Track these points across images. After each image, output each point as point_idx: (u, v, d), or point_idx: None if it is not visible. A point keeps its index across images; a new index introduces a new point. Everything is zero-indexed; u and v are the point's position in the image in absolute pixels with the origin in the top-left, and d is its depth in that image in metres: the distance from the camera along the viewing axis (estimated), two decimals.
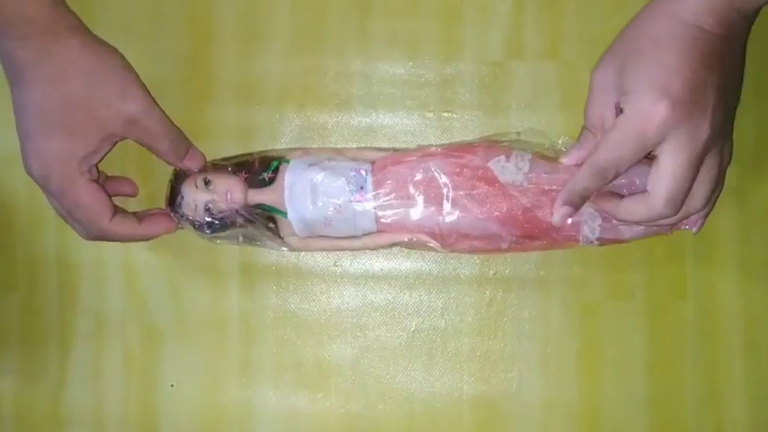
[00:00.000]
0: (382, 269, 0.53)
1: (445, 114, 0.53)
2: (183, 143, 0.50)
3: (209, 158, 0.51)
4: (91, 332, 0.53)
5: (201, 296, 0.53)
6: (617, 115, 0.43)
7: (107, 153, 0.49)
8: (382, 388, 0.53)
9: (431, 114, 0.53)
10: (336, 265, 0.53)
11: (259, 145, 0.53)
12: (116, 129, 0.47)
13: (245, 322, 0.53)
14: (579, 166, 0.46)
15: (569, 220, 0.47)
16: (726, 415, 0.52)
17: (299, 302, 0.53)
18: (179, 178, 0.50)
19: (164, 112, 0.49)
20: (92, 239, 0.49)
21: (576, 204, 0.45)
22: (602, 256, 0.52)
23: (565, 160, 0.47)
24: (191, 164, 0.50)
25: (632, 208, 0.44)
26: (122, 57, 0.48)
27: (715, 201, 0.47)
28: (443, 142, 0.52)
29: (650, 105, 0.41)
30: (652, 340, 0.52)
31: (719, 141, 0.44)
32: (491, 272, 0.53)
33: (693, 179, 0.43)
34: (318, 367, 0.53)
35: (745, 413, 0.52)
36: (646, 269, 0.52)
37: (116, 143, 0.49)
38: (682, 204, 0.43)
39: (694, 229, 0.49)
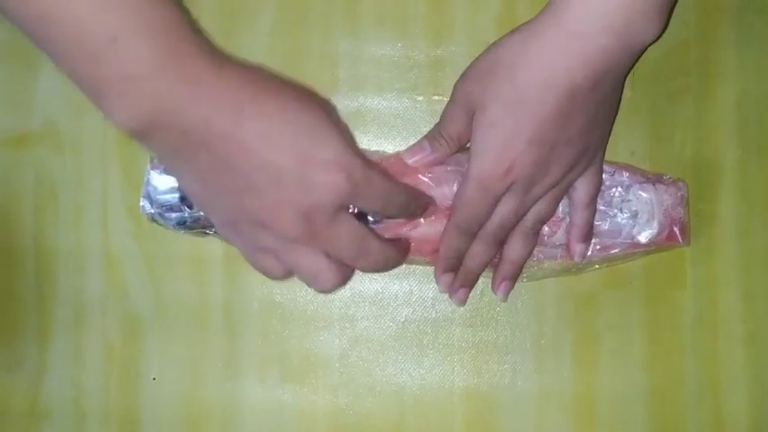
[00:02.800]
0: None
1: (436, 98, 0.51)
2: (418, 196, 0.46)
3: None
4: (70, 322, 0.52)
5: (184, 285, 0.51)
6: (470, 133, 0.44)
7: None
8: (371, 381, 0.51)
9: (421, 98, 0.51)
10: None
11: None
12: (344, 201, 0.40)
13: (230, 313, 0.51)
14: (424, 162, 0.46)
15: None
16: (726, 407, 0.51)
17: (284, 293, 0.51)
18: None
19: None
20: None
21: (454, 267, 0.48)
22: None
23: (409, 158, 0.46)
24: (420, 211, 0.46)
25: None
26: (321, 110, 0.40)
27: (588, 224, 0.48)
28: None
29: (490, 169, 0.43)
30: (650, 330, 0.51)
31: (559, 186, 0.45)
32: None
33: (519, 219, 0.46)
34: (305, 360, 0.51)
35: (746, 405, 0.51)
36: (643, 257, 0.51)
37: None
38: (504, 239, 0.47)
39: (576, 259, 0.48)
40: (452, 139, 0.45)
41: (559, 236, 0.48)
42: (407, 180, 0.46)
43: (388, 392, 0.51)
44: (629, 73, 0.44)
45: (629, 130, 0.51)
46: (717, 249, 0.51)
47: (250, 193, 0.38)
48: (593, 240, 0.48)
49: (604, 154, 0.47)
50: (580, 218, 0.47)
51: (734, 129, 0.52)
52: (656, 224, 0.48)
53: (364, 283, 0.51)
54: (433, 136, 0.46)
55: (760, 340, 0.51)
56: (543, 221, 0.47)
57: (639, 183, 0.49)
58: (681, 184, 0.49)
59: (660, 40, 0.51)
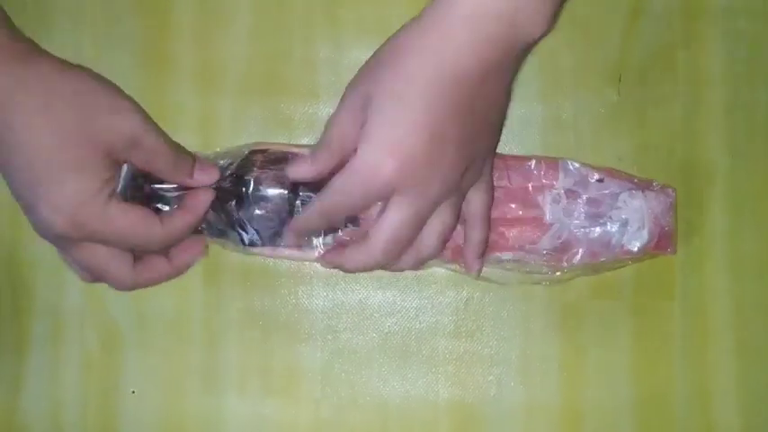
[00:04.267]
0: None
1: None
2: (187, 155, 0.46)
3: None
4: (47, 335, 0.51)
5: (163, 298, 0.50)
6: (356, 138, 0.41)
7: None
8: (354, 393, 0.50)
9: None
10: (305, 264, 0.50)
11: (220, 135, 0.50)
12: (120, 153, 0.42)
13: (209, 325, 0.50)
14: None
15: None
16: (716, 419, 0.50)
17: (265, 303, 0.50)
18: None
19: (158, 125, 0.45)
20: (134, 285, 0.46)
21: (300, 238, 0.46)
22: None
23: (292, 173, 0.43)
24: (205, 177, 0.46)
25: (354, 255, 0.43)
26: (97, 73, 0.43)
27: (484, 237, 0.45)
28: None
29: (377, 162, 0.39)
30: (638, 341, 0.50)
31: (456, 193, 0.42)
32: None
33: (418, 230, 0.42)
34: (286, 372, 0.50)
35: (737, 416, 0.50)
36: (631, 267, 0.50)
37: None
38: (402, 253, 0.42)
39: (473, 272, 0.46)
40: (333, 144, 0.41)
41: (545, 242, 0.47)
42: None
43: (372, 405, 0.50)
44: (514, 77, 0.42)
45: (616, 136, 0.50)
46: (706, 258, 0.50)
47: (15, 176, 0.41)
48: (581, 249, 0.47)
49: (492, 168, 0.45)
50: (478, 233, 0.45)
51: (723, 135, 0.51)
52: (646, 233, 0.47)
53: (347, 294, 0.50)
54: (314, 148, 0.43)
55: (751, 350, 0.50)
56: (447, 237, 0.43)
57: (629, 190, 0.48)
58: (669, 190, 0.48)
59: (646, 43, 0.50)
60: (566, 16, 0.50)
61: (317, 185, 0.44)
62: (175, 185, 0.45)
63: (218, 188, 0.46)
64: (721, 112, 0.51)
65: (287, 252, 0.47)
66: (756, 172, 0.51)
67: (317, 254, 0.47)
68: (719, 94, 0.51)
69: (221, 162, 0.47)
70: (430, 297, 0.50)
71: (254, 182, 0.46)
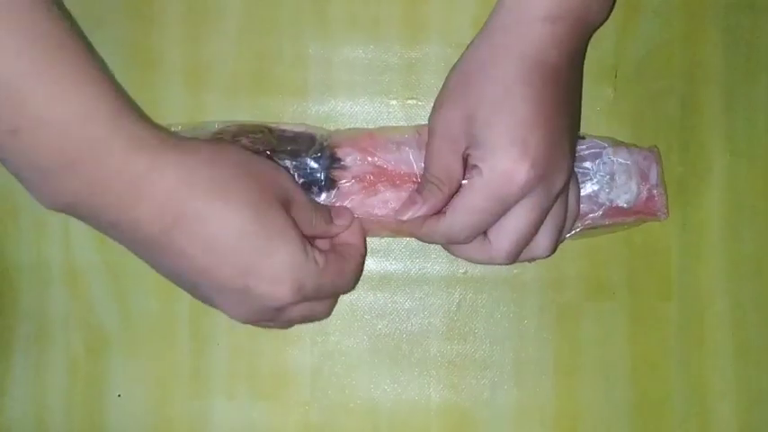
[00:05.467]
0: None
1: (410, 101, 0.50)
2: (322, 206, 0.44)
3: None
4: (32, 338, 0.50)
5: (150, 300, 0.49)
6: (465, 166, 0.40)
7: None
8: (344, 397, 0.49)
9: (394, 102, 0.50)
10: None
11: None
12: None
13: (197, 328, 0.49)
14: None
15: None
16: (714, 421, 0.49)
17: None
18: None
19: None
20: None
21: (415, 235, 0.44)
22: (581, 253, 0.49)
23: (402, 216, 0.42)
24: (343, 222, 0.44)
25: (472, 252, 0.42)
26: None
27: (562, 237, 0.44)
28: None
29: (510, 167, 0.38)
30: (634, 343, 0.49)
31: (567, 185, 0.41)
32: (461, 271, 0.49)
33: (538, 227, 0.41)
34: (275, 375, 0.49)
35: (734, 419, 0.49)
36: (627, 267, 0.49)
37: None
38: (523, 252, 0.42)
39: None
40: (442, 178, 0.41)
41: None
42: (362, 144, 0.45)
43: (362, 409, 0.49)
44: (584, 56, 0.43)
45: (611, 132, 0.49)
46: (703, 258, 0.49)
47: (198, 288, 0.39)
48: None
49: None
50: (569, 224, 0.44)
51: (721, 133, 0.50)
52: (634, 186, 0.46)
53: None
54: (421, 185, 0.42)
55: (749, 352, 0.49)
56: (558, 237, 0.43)
57: (613, 146, 0.47)
58: (653, 148, 0.48)
59: (643, 39, 0.50)
60: None
61: (290, 150, 0.44)
62: None
63: None
64: (720, 110, 0.50)
65: None
66: (754, 170, 0.50)
67: None
68: (717, 91, 0.50)
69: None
70: (422, 299, 0.49)
71: None
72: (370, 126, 0.49)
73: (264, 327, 0.44)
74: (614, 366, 0.49)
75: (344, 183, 0.45)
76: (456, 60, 0.49)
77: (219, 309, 0.40)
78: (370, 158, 0.45)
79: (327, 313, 0.45)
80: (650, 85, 0.50)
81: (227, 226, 0.37)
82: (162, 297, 0.49)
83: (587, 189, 0.46)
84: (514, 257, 0.41)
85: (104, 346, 0.50)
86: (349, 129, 0.48)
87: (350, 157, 0.45)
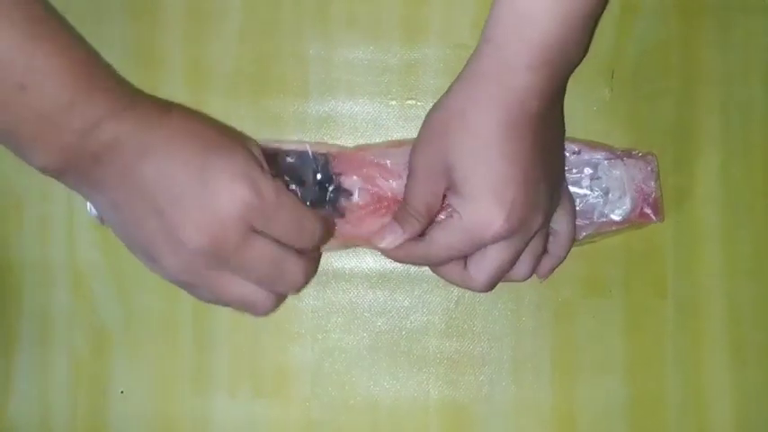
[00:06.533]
0: (344, 267, 0.50)
1: (409, 102, 0.50)
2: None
3: None
4: (36, 337, 0.50)
5: (153, 298, 0.50)
6: (442, 203, 0.42)
7: None
8: (344, 393, 0.50)
9: (394, 102, 0.50)
10: None
11: None
12: None
13: (199, 326, 0.50)
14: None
15: None
16: (709, 418, 0.49)
17: None
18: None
19: None
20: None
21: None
22: (577, 251, 0.49)
23: (382, 244, 0.43)
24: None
25: (452, 274, 0.44)
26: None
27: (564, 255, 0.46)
28: (407, 132, 0.50)
29: (486, 218, 0.40)
30: (631, 340, 0.50)
31: (548, 220, 0.43)
32: None
33: (515, 262, 0.43)
34: (276, 373, 0.50)
35: (730, 417, 0.49)
36: (623, 265, 0.50)
37: None
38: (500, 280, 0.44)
39: (543, 280, 0.47)
40: (422, 213, 0.42)
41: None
42: (366, 171, 0.45)
43: (362, 405, 0.50)
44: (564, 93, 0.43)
45: (608, 133, 0.50)
46: (699, 256, 0.50)
47: (155, 217, 0.37)
48: None
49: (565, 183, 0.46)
50: (563, 249, 0.46)
51: (717, 133, 0.50)
52: (628, 200, 0.47)
53: (337, 294, 0.50)
54: (400, 216, 0.43)
55: (744, 349, 0.50)
56: (537, 264, 0.45)
57: (608, 159, 0.47)
58: (650, 157, 0.48)
59: (640, 40, 0.50)
60: None
61: (297, 179, 0.45)
62: None
63: None
64: (716, 111, 0.50)
65: None
66: (751, 170, 0.50)
67: None
68: (714, 90, 0.50)
69: None
70: (420, 296, 0.50)
71: None
72: (371, 127, 0.50)
73: (230, 292, 0.40)
74: (611, 363, 0.50)
75: (349, 209, 0.46)
76: (455, 61, 0.50)
77: (178, 245, 0.37)
78: (373, 187, 0.46)
79: (303, 272, 0.41)
80: (646, 85, 0.50)
81: (191, 133, 0.38)
82: (164, 296, 0.50)
83: (580, 206, 0.47)
84: (491, 287, 0.43)
85: (107, 345, 0.50)
86: (351, 150, 0.47)
87: (355, 186, 0.46)
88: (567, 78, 0.42)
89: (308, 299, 0.50)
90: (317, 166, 0.46)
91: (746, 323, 0.50)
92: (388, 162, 0.46)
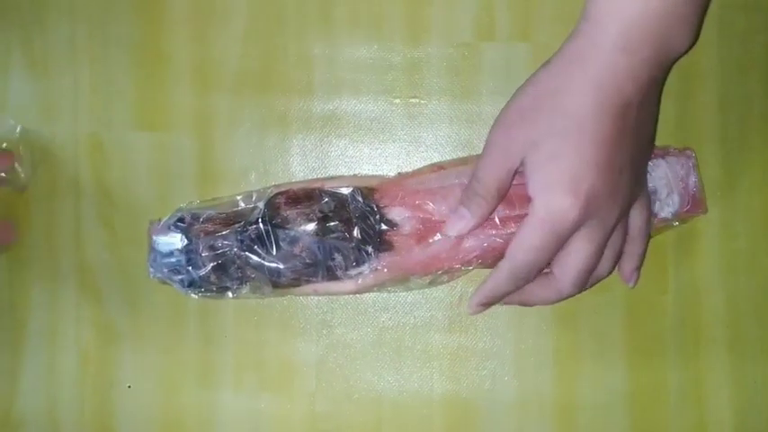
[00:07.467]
0: None
1: (413, 100, 0.51)
2: None
3: (165, 152, 0.48)
4: (44, 332, 0.51)
5: (158, 293, 0.50)
6: (510, 183, 0.41)
7: None
8: (349, 388, 0.50)
9: (397, 100, 0.51)
10: None
11: (216, 133, 0.51)
12: None
13: (205, 320, 0.51)
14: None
15: None
16: (709, 412, 0.50)
17: (260, 299, 0.50)
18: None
19: None
20: None
21: (491, 304, 0.44)
22: None
23: (451, 232, 0.42)
24: None
25: (540, 292, 0.43)
26: None
27: (643, 252, 0.46)
28: (411, 130, 0.50)
29: (562, 207, 0.39)
30: (631, 335, 0.50)
31: (627, 214, 0.43)
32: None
33: (600, 257, 0.42)
34: (281, 367, 0.50)
35: (730, 411, 0.50)
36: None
37: None
38: (588, 279, 0.43)
39: (631, 284, 0.46)
40: (492, 191, 0.41)
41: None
42: (409, 200, 0.44)
43: (366, 399, 0.50)
44: (663, 87, 0.42)
45: None
46: (699, 253, 0.50)
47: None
48: None
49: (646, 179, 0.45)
50: (638, 247, 0.45)
51: (716, 130, 0.51)
52: (676, 198, 0.47)
53: None
54: (468, 198, 0.42)
55: (743, 345, 0.50)
56: (618, 260, 0.44)
57: (649, 160, 0.47)
58: (689, 152, 0.48)
59: None
60: (557, 15, 0.50)
61: (343, 217, 0.44)
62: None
63: (247, 231, 0.44)
64: (715, 108, 0.51)
65: (322, 288, 0.45)
66: (749, 167, 0.51)
67: (354, 285, 0.45)
68: (712, 88, 0.51)
69: (248, 204, 0.46)
70: (424, 292, 0.50)
71: (282, 222, 0.44)
72: (375, 125, 0.51)
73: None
74: (611, 358, 0.50)
75: (398, 242, 0.44)
76: (457, 60, 0.50)
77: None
78: (419, 214, 0.44)
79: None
80: None
81: None
82: (170, 290, 0.50)
83: None
84: (581, 287, 0.42)
85: (114, 339, 0.51)
86: (393, 179, 0.46)
87: (400, 217, 0.44)
88: (670, 67, 0.40)
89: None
90: (361, 202, 0.45)
91: (745, 319, 0.50)
92: (432, 187, 0.45)
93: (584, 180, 0.38)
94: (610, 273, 0.44)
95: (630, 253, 0.45)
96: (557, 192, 0.39)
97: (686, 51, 0.40)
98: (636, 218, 0.44)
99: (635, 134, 0.40)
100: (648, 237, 0.45)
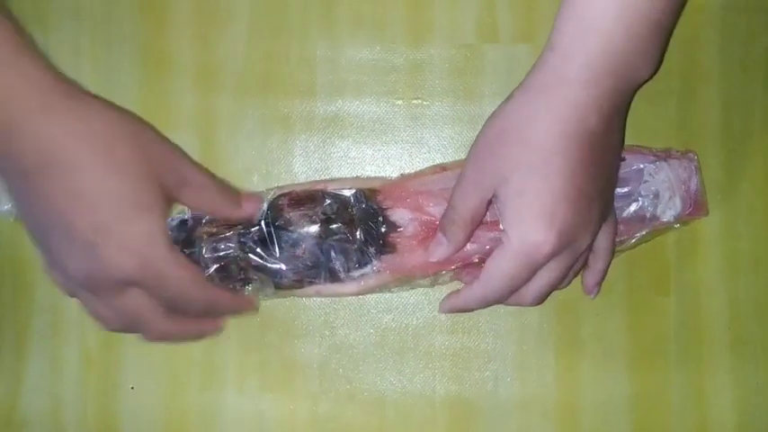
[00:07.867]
0: None
1: (415, 102, 0.51)
2: (232, 188, 0.46)
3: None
4: (48, 333, 0.51)
5: None
6: (485, 211, 0.42)
7: None
8: (351, 389, 0.50)
9: (400, 102, 0.51)
10: None
11: (219, 134, 0.51)
12: (173, 192, 0.42)
13: None
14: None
15: None
16: (711, 414, 0.50)
17: (263, 300, 0.51)
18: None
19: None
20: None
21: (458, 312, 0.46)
22: None
23: (432, 258, 0.44)
24: (252, 206, 0.45)
25: (511, 300, 0.44)
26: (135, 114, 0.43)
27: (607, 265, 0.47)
28: (413, 131, 0.50)
29: (537, 239, 0.39)
30: (633, 337, 0.50)
31: (595, 237, 0.43)
32: None
33: (565, 277, 0.44)
34: (284, 368, 0.50)
35: (731, 412, 0.50)
36: (626, 263, 0.50)
37: None
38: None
39: (592, 296, 0.48)
40: (466, 221, 0.42)
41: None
42: (412, 201, 0.45)
43: (369, 400, 0.50)
44: (627, 114, 0.43)
45: None
46: (701, 254, 0.51)
47: (49, 235, 0.40)
48: (620, 227, 0.47)
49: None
50: (602, 263, 0.46)
51: (718, 132, 0.51)
52: (678, 201, 0.47)
53: None
54: (444, 226, 0.43)
55: (745, 346, 0.50)
56: (577, 274, 0.46)
57: (651, 162, 0.47)
58: (691, 155, 0.48)
59: None
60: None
61: (345, 219, 0.45)
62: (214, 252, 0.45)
63: (249, 233, 0.45)
64: (718, 110, 0.51)
65: (324, 289, 0.46)
66: (751, 168, 0.51)
67: (356, 286, 0.46)
68: (715, 90, 0.51)
69: None
70: (426, 293, 0.51)
71: (285, 224, 0.45)
72: (377, 126, 0.51)
73: (91, 309, 0.43)
74: (613, 360, 0.50)
75: (400, 243, 0.45)
76: (460, 61, 0.50)
77: (60, 265, 0.41)
78: (421, 216, 0.45)
79: (157, 328, 0.43)
80: (649, 85, 0.50)
81: (99, 182, 0.38)
82: None
83: (632, 209, 0.47)
84: (540, 303, 0.44)
85: (118, 340, 0.51)
86: (396, 180, 0.47)
87: (402, 219, 0.45)
88: (632, 94, 0.41)
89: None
90: (364, 204, 0.45)
91: (747, 320, 0.50)
92: (434, 188, 0.46)
93: (557, 214, 0.39)
94: (565, 287, 0.46)
95: (594, 269, 0.46)
96: (530, 226, 0.40)
97: (649, 79, 0.40)
98: (602, 239, 0.45)
99: (601, 162, 0.41)
100: (612, 255, 0.46)
